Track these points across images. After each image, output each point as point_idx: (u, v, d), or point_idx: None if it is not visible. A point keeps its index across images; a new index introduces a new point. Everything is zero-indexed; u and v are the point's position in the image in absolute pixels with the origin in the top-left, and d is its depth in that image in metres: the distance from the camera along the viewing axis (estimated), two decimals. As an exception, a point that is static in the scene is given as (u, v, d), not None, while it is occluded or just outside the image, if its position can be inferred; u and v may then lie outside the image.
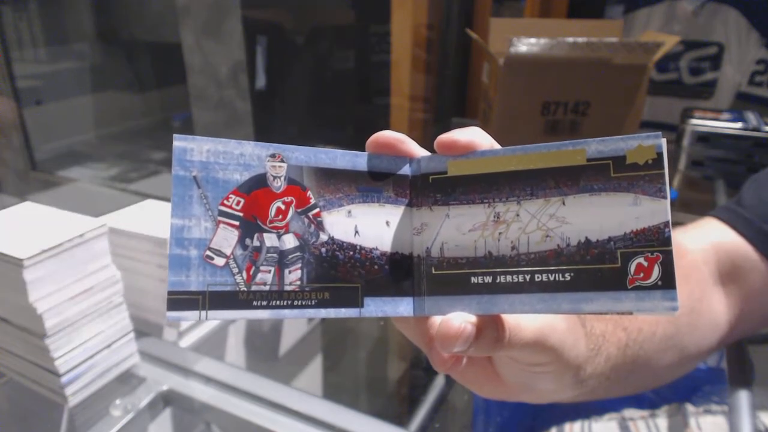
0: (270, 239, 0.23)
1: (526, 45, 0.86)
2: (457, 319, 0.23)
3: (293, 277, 0.23)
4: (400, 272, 0.25)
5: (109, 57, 1.61)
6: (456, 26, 1.33)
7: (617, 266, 0.22)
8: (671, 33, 1.12)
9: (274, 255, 0.23)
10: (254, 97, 1.20)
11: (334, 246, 0.24)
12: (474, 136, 0.25)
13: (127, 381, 0.52)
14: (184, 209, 0.22)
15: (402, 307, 0.25)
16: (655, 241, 0.22)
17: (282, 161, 0.24)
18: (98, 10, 1.57)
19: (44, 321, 0.45)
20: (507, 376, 0.28)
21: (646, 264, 0.22)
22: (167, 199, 0.67)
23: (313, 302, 0.23)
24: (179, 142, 0.22)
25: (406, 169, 0.26)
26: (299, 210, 0.24)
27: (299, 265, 0.23)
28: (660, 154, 0.22)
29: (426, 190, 0.26)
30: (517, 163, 0.24)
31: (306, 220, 0.24)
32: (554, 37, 0.87)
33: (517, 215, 0.24)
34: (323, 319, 0.99)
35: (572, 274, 0.23)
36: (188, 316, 0.21)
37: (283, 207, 0.24)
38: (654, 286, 0.22)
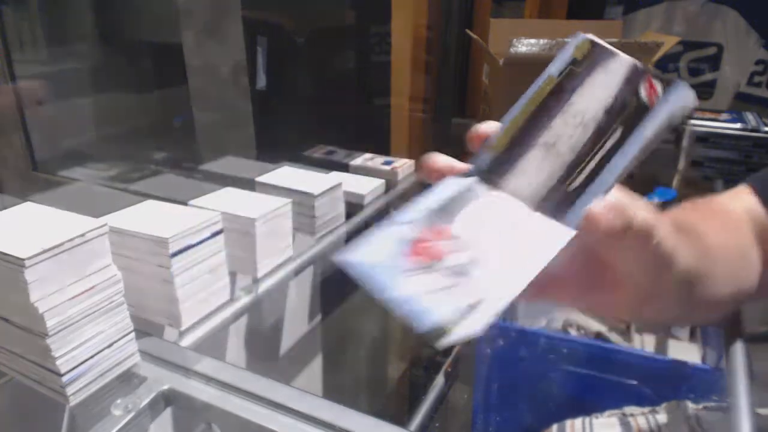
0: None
1: (526, 46, 0.87)
2: (595, 207, 0.29)
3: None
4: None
5: (109, 58, 1.61)
6: (456, 26, 1.33)
7: (636, 104, 0.30)
8: (670, 33, 1.12)
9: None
10: (255, 97, 1.20)
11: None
12: (491, 125, 0.32)
13: (128, 380, 0.52)
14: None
15: (566, 235, 0.30)
16: (639, 72, 0.30)
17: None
18: (99, 11, 1.57)
19: (45, 320, 0.45)
20: (623, 267, 0.33)
21: (648, 87, 0.30)
22: (168, 200, 0.67)
23: None
24: (345, 257, 0.28)
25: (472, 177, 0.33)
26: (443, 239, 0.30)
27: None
28: (593, 41, 0.31)
29: (493, 176, 0.32)
30: (526, 111, 0.32)
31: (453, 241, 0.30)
32: (554, 37, 0.87)
33: (557, 134, 0.31)
34: (323, 319, 0.99)
35: (620, 130, 0.30)
36: None
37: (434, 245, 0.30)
38: (666, 90, 0.30)
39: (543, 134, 0.31)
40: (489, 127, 0.32)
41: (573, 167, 0.30)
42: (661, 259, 0.32)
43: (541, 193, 0.31)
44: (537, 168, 0.31)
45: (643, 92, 0.30)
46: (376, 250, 0.28)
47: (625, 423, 0.54)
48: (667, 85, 0.30)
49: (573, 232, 0.29)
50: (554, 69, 0.32)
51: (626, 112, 0.30)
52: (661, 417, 0.53)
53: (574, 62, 0.31)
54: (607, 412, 0.56)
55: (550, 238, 0.29)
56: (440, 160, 0.33)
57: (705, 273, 0.37)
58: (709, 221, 0.43)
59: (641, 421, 0.53)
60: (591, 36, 0.31)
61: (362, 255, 0.28)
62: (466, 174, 0.32)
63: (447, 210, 0.30)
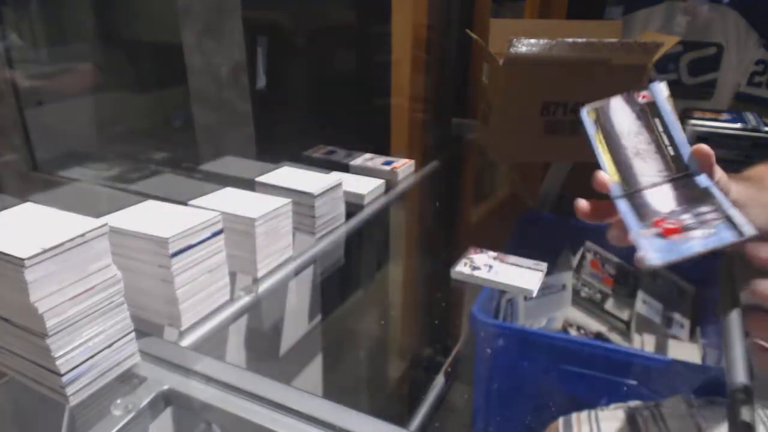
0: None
1: (525, 45, 0.87)
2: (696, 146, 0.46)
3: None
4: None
5: (109, 57, 1.61)
6: (456, 26, 1.34)
7: (647, 106, 0.50)
8: (670, 33, 1.12)
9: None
10: (255, 97, 1.20)
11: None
12: (602, 173, 0.47)
13: (127, 380, 0.53)
14: None
15: (707, 179, 0.46)
16: (629, 94, 0.50)
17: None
18: (98, 11, 1.57)
19: (45, 321, 0.45)
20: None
21: (641, 96, 0.50)
22: (168, 200, 0.67)
23: None
24: None
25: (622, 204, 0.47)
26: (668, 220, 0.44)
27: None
28: (594, 108, 0.51)
29: (631, 189, 0.46)
30: (606, 154, 0.48)
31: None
32: (554, 37, 0.87)
33: (633, 146, 0.48)
34: (323, 319, 0.99)
35: (657, 119, 0.49)
36: None
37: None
38: (651, 89, 0.49)
39: (628, 153, 0.48)
40: (602, 174, 0.47)
41: (659, 150, 0.47)
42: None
43: (662, 174, 0.46)
44: (646, 167, 0.47)
45: (642, 100, 0.49)
46: (658, 247, 0.41)
47: (630, 416, 0.54)
48: (649, 88, 0.49)
49: (706, 176, 0.44)
50: (591, 131, 0.49)
51: (648, 111, 0.49)
52: (665, 410, 0.54)
53: (596, 121, 0.50)
54: (612, 406, 0.57)
55: (706, 184, 0.44)
56: (584, 204, 0.47)
57: (759, 203, 0.47)
58: None
59: (645, 414, 0.54)
60: (588, 105, 0.50)
61: (654, 254, 0.41)
62: (615, 199, 0.46)
63: (641, 214, 0.44)
